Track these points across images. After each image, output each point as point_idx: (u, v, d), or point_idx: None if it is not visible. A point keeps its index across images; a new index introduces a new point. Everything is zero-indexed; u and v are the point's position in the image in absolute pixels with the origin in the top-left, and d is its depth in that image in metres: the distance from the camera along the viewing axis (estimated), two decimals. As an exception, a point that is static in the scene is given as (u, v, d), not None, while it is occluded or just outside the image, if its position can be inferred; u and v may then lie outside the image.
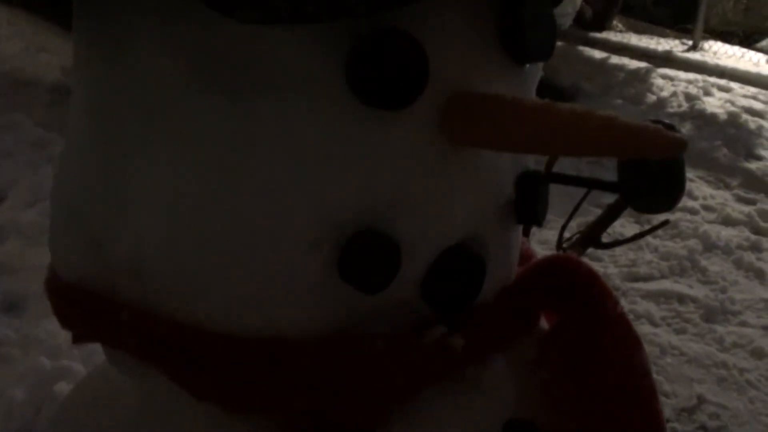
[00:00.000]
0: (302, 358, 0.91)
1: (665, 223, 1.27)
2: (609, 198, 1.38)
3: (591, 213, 1.97)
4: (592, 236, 1.25)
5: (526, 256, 1.10)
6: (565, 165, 1.13)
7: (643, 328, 3.24)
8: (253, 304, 0.89)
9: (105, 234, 0.93)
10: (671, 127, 0.94)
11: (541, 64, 1.01)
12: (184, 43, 0.84)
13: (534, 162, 1.05)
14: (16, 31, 5.83)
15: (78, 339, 1.02)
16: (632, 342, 1.05)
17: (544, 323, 1.09)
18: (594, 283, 1.04)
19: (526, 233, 1.23)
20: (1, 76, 5.06)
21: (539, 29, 0.93)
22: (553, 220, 1.79)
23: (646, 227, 1.38)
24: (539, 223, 1.01)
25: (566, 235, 1.33)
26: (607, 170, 2.51)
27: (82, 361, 2.44)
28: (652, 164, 1.00)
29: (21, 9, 6.00)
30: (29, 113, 4.24)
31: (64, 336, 2.53)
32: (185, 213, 0.87)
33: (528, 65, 0.98)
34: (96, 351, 2.42)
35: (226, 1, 0.77)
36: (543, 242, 3.22)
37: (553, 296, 1.05)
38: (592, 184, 1.12)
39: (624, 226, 3.69)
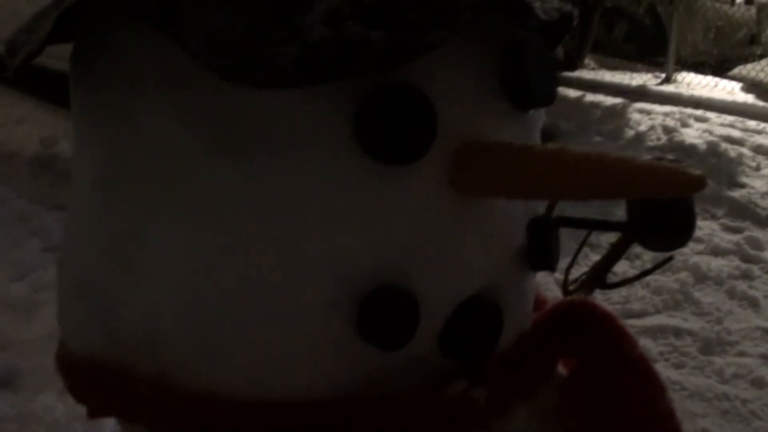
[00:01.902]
0: (324, 420, 0.89)
1: (670, 259, 1.26)
2: (608, 237, 1.37)
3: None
4: (597, 277, 1.24)
5: (538, 301, 1.09)
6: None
7: (642, 365, 3.24)
8: (272, 368, 0.88)
9: (117, 307, 0.91)
10: (677, 161, 0.94)
11: (543, 110, 1.01)
12: (193, 108, 0.84)
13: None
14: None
15: (93, 414, 1.00)
16: (654, 384, 1.03)
17: (561, 369, 1.08)
18: (612, 326, 1.03)
19: (565, 287, 1.22)
20: (-20, 151, 5.06)
21: (540, 75, 0.93)
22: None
23: (638, 264, 1.38)
24: (553, 269, 1.01)
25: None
26: (595, 206, 2.51)
27: (82, 435, 2.42)
28: (663, 202, 0.99)
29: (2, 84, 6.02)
30: (12, 186, 4.24)
31: (62, 410, 2.51)
32: (200, 280, 0.86)
33: (531, 111, 0.97)
34: (96, 424, 2.39)
35: (233, 66, 0.77)
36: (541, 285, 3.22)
37: (571, 342, 1.04)
38: (602, 226, 1.11)
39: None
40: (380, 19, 0.78)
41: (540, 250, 0.99)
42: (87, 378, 0.96)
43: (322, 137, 0.83)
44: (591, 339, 1.03)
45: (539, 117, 1.01)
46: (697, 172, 0.78)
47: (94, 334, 0.94)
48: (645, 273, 1.29)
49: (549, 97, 0.95)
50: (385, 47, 0.77)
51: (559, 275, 1.30)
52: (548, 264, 1.00)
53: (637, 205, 1.02)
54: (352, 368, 0.89)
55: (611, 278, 1.28)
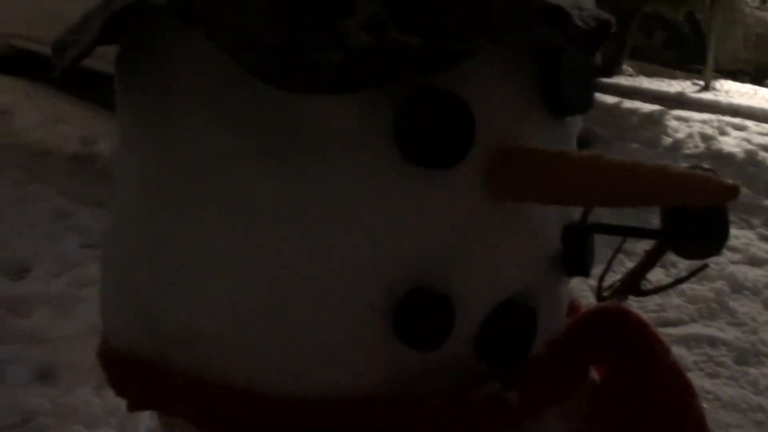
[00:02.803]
0: (360, 418, 0.90)
1: (704, 267, 1.26)
2: (643, 244, 1.38)
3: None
4: (632, 284, 1.25)
5: (572, 306, 1.10)
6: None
7: (675, 373, 3.22)
8: (309, 365, 0.90)
9: (157, 303, 0.93)
10: (713, 173, 0.95)
11: (580, 116, 1.02)
12: (236, 111, 0.86)
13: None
14: (34, 103, 5.92)
15: (133, 407, 1.02)
16: (686, 391, 1.04)
17: (594, 375, 1.08)
18: (645, 333, 1.04)
19: (599, 293, 1.24)
20: (21, 148, 5.13)
21: (577, 81, 0.94)
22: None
23: (673, 273, 1.38)
24: (587, 274, 1.01)
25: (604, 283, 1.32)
26: (630, 213, 2.51)
27: (118, 429, 2.45)
28: (697, 210, 1.00)
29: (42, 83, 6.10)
30: (50, 184, 4.29)
31: (98, 404, 2.54)
32: (239, 280, 0.88)
33: (568, 118, 0.99)
34: (132, 418, 2.42)
35: (276, 71, 0.79)
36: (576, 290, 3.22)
37: (604, 347, 1.05)
38: (636, 233, 1.12)
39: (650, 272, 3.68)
40: (420, 26, 0.79)
41: (574, 256, 1.00)
42: (128, 372, 0.99)
43: (362, 141, 0.85)
44: (623, 345, 1.03)
45: (576, 124, 1.02)
46: (730, 181, 0.79)
47: (136, 330, 0.96)
48: (679, 281, 1.29)
49: (586, 105, 0.97)
50: (424, 54, 0.79)
51: (593, 281, 1.31)
52: (582, 270, 1.01)
53: (671, 212, 1.02)
54: (387, 368, 0.90)
55: (645, 285, 1.28)
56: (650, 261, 1.21)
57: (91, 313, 1.15)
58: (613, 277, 1.34)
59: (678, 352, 3.35)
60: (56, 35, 0.94)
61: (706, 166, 1.02)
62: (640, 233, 1.12)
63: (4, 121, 5.72)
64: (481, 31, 0.81)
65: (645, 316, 3.14)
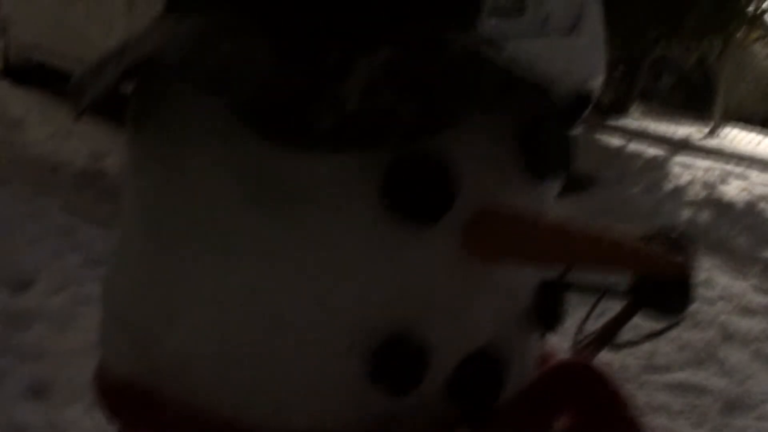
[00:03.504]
0: None
1: (676, 324, 1.31)
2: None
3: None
4: (606, 336, 1.29)
5: (544, 356, 1.16)
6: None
7: (661, 420, 3.24)
8: (290, 403, 0.97)
9: (153, 334, 1.00)
10: (681, 239, 1.01)
11: (560, 178, 1.09)
12: (236, 161, 0.94)
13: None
14: (45, 116, 5.97)
15: (124, 431, 1.09)
16: None
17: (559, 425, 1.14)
18: (605, 388, 1.10)
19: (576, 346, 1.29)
20: (30, 161, 5.16)
21: (557, 146, 1.02)
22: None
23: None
24: (555, 330, 1.08)
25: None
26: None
27: (108, 448, 2.47)
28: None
29: (52, 94, 6.15)
30: (57, 198, 4.32)
31: (89, 424, 2.56)
32: (230, 318, 0.95)
33: (547, 180, 1.06)
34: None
35: (275, 130, 0.87)
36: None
37: (568, 400, 1.11)
38: (605, 292, 1.17)
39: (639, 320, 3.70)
40: (411, 95, 0.87)
41: (545, 312, 1.08)
42: (123, 398, 1.06)
43: (350, 197, 0.92)
44: (585, 398, 1.10)
45: (556, 184, 1.08)
46: (682, 259, 0.86)
47: (132, 360, 1.03)
48: (650, 336, 1.34)
49: (564, 167, 1.04)
50: (414, 120, 0.87)
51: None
52: (552, 325, 1.09)
53: (639, 276, 1.08)
54: (363, 408, 0.97)
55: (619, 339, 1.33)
56: (624, 316, 1.26)
57: (89, 331, 1.20)
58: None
59: (665, 399, 3.38)
60: (76, 73, 1.03)
61: (676, 233, 1.08)
62: (610, 293, 1.17)
63: (15, 133, 5.76)
64: (468, 101, 0.89)
65: (634, 361, 3.14)
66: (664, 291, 1.09)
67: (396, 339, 0.94)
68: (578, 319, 1.30)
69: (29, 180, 4.70)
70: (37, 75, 6.60)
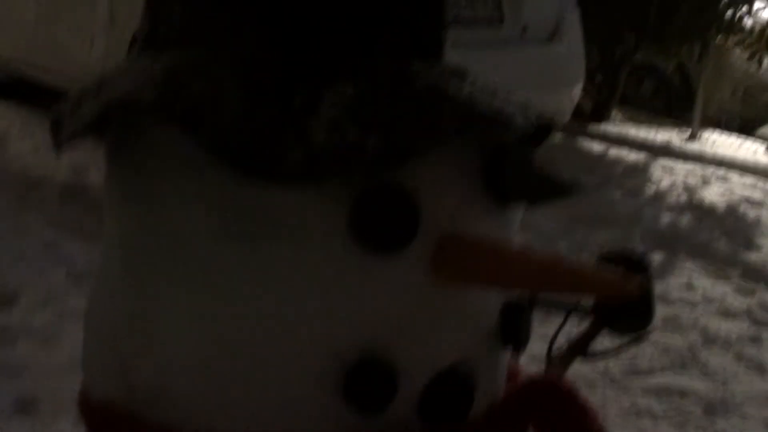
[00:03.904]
0: None
1: (643, 337, 1.35)
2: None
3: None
4: (577, 349, 1.33)
5: (511, 373, 1.19)
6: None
7: (644, 423, 3.28)
8: (266, 425, 1.00)
9: (131, 361, 1.04)
10: (641, 258, 1.05)
11: (523, 203, 1.12)
12: (210, 196, 0.98)
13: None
14: (28, 130, 5.96)
15: None
16: None
17: None
18: (573, 403, 1.13)
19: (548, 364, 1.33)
20: (12, 176, 5.16)
21: (521, 175, 1.06)
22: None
23: None
24: (521, 349, 1.12)
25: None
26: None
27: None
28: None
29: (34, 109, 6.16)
30: (40, 213, 4.34)
31: (76, 438, 2.58)
32: (206, 346, 0.99)
33: (511, 206, 1.10)
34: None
35: (247, 163, 0.91)
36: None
37: (535, 416, 1.15)
38: (571, 310, 1.21)
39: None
40: (376, 128, 0.92)
41: (511, 331, 1.11)
42: (104, 421, 1.10)
43: (319, 227, 0.96)
44: (553, 415, 1.14)
45: (519, 210, 1.12)
46: (639, 280, 0.90)
47: (113, 384, 1.07)
48: (620, 347, 1.37)
49: (527, 195, 1.09)
50: (378, 153, 0.91)
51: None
52: (518, 344, 1.13)
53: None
54: (337, 429, 1.01)
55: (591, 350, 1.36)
56: (590, 334, 1.30)
57: (74, 346, 1.23)
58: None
59: (648, 401, 3.42)
60: (53, 111, 1.06)
61: (637, 251, 1.12)
62: (575, 311, 1.21)
63: (-3, 148, 5.80)
64: (429, 134, 0.94)
65: (617, 364, 3.17)
66: (624, 310, 1.13)
67: (366, 362, 0.98)
68: (547, 337, 1.34)
69: (12, 195, 4.70)
70: (19, 89, 6.59)
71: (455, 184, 1.02)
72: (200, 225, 0.98)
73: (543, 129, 1.05)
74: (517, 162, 1.05)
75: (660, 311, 3.70)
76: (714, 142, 7.96)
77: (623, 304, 1.10)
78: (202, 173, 0.96)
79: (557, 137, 7.07)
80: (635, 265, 1.13)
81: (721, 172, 6.89)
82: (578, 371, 3.45)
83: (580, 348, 1.31)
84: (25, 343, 3.19)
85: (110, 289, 1.08)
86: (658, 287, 4.12)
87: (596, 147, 7.34)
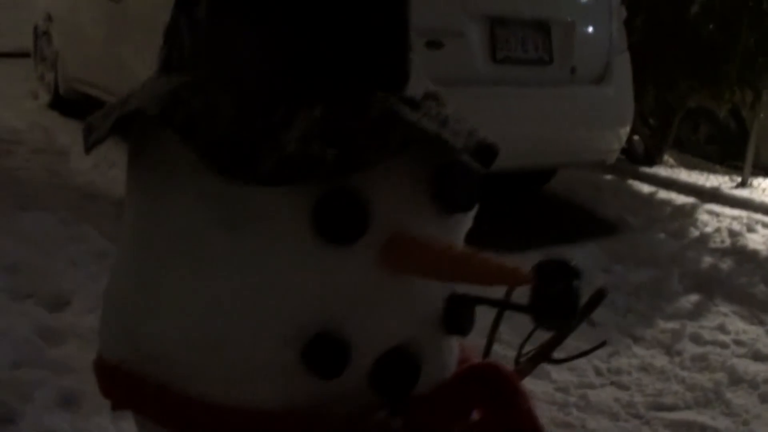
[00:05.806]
0: (280, 427, 1.21)
1: (603, 344, 1.48)
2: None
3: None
4: (543, 354, 1.46)
5: (463, 358, 1.38)
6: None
7: (664, 458, 3.33)
8: (242, 383, 1.21)
9: (138, 327, 1.25)
10: (566, 264, 1.20)
11: (471, 213, 1.32)
12: (204, 192, 1.19)
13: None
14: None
15: (116, 407, 1.35)
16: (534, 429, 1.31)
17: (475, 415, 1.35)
18: (510, 384, 1.31)
19: (487, 352, 1.48)
20: (73, 188, 5.37)
21: (464, 188, 1.26)
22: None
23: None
24: (463, 335, 1.33)
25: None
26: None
27: (129, 452, 2.62)
28: (549, 289, 1.23)
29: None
30: (96, 225, 4.51)
31: (115, 430, 2.73)
32: (200, 315, 1.20)
33: (455, 214, 1.30)
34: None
35: (229, 167, 1.13)
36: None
37: (479, 393, 1.33)
38: (506, 306, 1.35)
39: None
40: (336, 142, 1.13)
41: (454, 320, 1.31)
42: (114, 380, 1.30)
43: (288, 222, 1.17)
44: (493, 393, 1.31)
45: (464, 220, 1.33)
46: (522, 270, 1.13)
47: (123, 347, 1.28)
48: (583, 354, 1.50)
49: (469, 205, 1.30)
50: (336, 163, 1.12)
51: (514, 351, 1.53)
52: (460, 330, 1.33)
53: (532, 291, 1.25)
54: (299, 390, 1.21)
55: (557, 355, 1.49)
56: (556, 340, 1.44)
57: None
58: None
59: (669, 437, 3.46)
60: (87, 120, 1.29)
61: (560, 260, 1.26)
62: (510, 307, 1.34)
63: (61, 162, 5.99)
64: (379, 149, 1.14)
65: (642, 399, 3.23)
66: (551, 301, 1.24)
67: (323, 334, 1.18)
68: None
69: (72, 206, 4.90)
70: (84, 107, 6.82)
71: (405, 192, 1.22)
72: (196, 215, 1.19)
73: (487, 152, 1.23)
74: (460, 177, 1.24)
75: (690, 350, 3.74)
76: (765, 190, 7.90)
77: (550, 302, 1.23)
78: (199, 173, 1.17)
79: (607, 178, 7.12)
80: (566, 271, 1.23)
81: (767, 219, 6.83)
82: (603, 403, 3.51)
83: (548, 350, 1.45)
84: (72, 344, 3.33)
85: (125, 266, 1.30)
86: (691, 328, 4.18)
87: (645, 189, 7.33)
